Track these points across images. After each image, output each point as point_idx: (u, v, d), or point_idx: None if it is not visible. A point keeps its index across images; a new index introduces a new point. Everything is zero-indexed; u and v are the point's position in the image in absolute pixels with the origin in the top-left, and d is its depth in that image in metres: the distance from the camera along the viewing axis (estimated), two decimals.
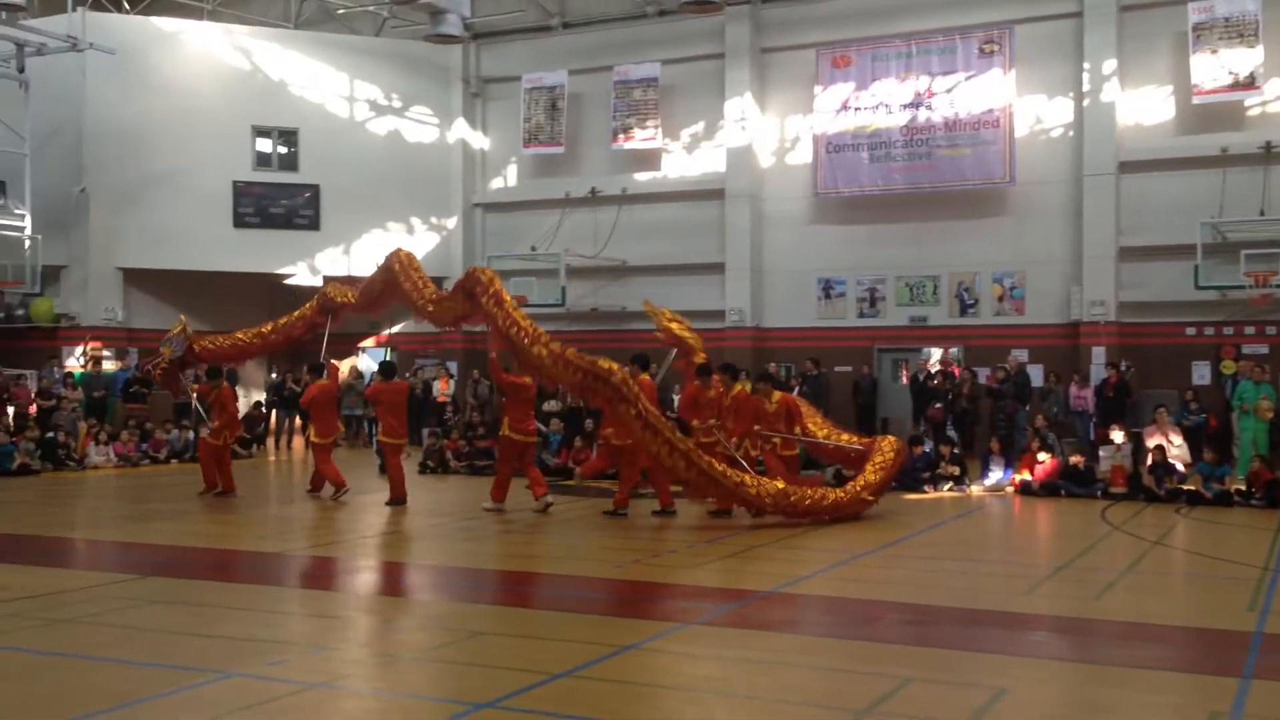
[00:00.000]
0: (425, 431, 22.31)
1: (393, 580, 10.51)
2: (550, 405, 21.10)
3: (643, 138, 25.73)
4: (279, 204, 26.26)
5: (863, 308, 24.38)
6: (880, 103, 23.83)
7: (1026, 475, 16.17)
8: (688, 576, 10.13)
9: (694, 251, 25.54)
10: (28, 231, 23.71)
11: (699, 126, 25.87)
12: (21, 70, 23.27)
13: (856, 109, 24.03)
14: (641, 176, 26.23)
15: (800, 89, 24.78)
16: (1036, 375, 21.60)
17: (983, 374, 21.37)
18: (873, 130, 23.88)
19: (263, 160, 26.37)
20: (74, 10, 23.33)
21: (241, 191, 25.99)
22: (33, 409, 22.01)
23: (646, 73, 25.68)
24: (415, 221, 27.42)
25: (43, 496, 16.62)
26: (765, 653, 7.47)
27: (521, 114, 26.77)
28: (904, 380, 23.75)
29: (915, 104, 23.55)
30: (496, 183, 27.92)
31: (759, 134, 25.21)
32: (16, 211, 23.67)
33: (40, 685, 6.63)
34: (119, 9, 27.35)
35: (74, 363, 24.60)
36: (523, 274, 25.49)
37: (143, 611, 8.56)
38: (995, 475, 16.84)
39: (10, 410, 21.64)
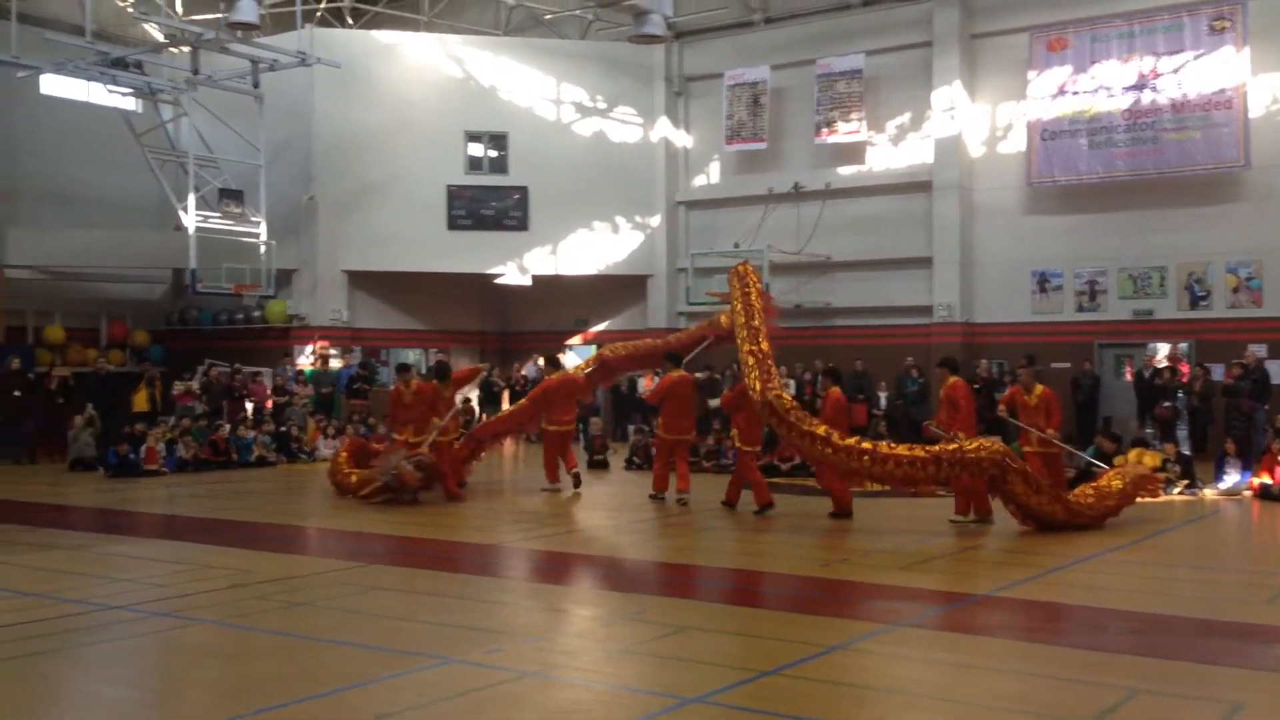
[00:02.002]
0: (631, 428, 22.64)
1: (604, 574, 10.69)
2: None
3: (847, 131, 25.35)
4: (489, 206, 27.13)
5: (1082, 301, 23.33)
6: (1100, 86, 22.74)
7: (1266, 478, 15.13)
8: (898, 578, 9.92)
9: (900, 245, 25.01)
10: (263, 238, 25.28)
11: (905, 117, 25.30)
12: (256, 86, 24.80)
13: (1074, 93, 23.01)
14: (845, 170, 25.85)
15: (1012, 74, 23.92)
16: (1277, 371, 20.19)
17: (1217, 370, 20.12)
18: (1092, 115, 22.82)
19: (474, 164, 27.29)
20: (303, 27, 24.70)
21: (455, 195, 26.97)
22: (269, 404, 23.49)
23: (850, 64, 25.30)
24: (619, 220, 27.84)
25: (278, 487, 17.70)
26: (980, 658, 7.24)
27: (724, 111, 26.80)
28: (1128, 377, 22.60)
29: (1139, 86, 22.37)
30: (699, 180, 28.05)
31: (968, 123, 24.47)
32: (253, 219, 25.26)
33: (280, 663, 7.07)
34: (343, 24, 28.81)
35: (304, 361, 26.08)
36: (726, 271, 25.46)
37: (369, 598, 8.99)
38: (1231, 478, 15.84)
39: (249, 406, 23.13)
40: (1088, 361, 22.55)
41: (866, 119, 25.17)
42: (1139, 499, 12.84)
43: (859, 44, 25.36)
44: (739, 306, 14.40)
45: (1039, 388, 13.78)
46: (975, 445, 11.95)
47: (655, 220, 27.93)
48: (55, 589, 9.26)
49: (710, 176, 27.90)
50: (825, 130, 25.56)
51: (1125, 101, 22.48)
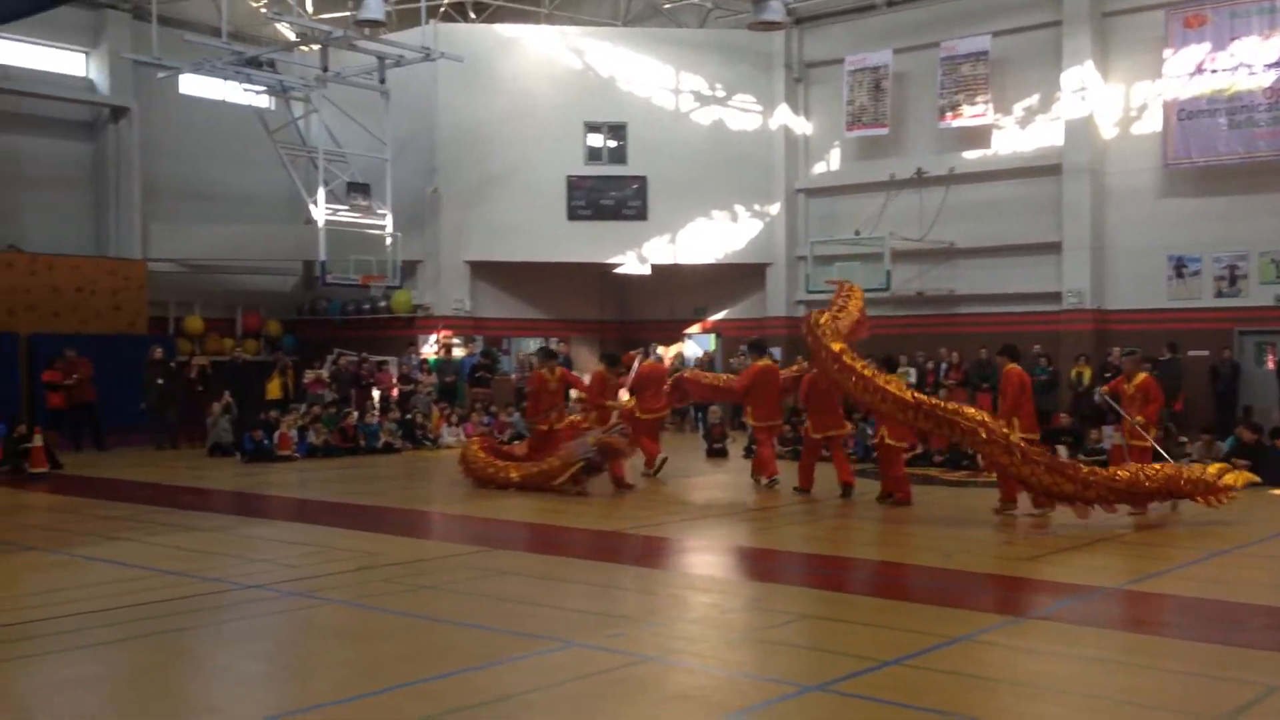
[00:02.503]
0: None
1: (723, 561, 10.70)
2: None
3: (972, 114, 24.79)
4: (609, 196, 27.29)
5: (1221, 287, 22.42)
6: (1240, 63, 21.79)
7: None
8: (1023, 569, 9.70)
9: (1027, 231, 24.37)
10: (389, 230, 25.89)
11: (1033, 99, 24.63)
12: (382, 81, 25.39)
13: (1212, 71, 22.10)
14: (970, 155, 25.29)
15: (1147, 53, 23.08)
16: None
17: None
18: (1232, 94, 21.88)
19: (594, 154, 27.48)
20: (427, 23, 25.18)
21: (574, 185, 27.21)
22: (394, 393, 24.08)
23: (975, 46, 24.72)
24: (739, 209, 27.74)
25: (403, 472, 18.14)
26: (1110, 651, 7.05)
27: (844, 96, 26.46)
28: (1269, 365, 21.66)
29: None
30: (819, 167, 27.76)
31: (1100, 104, 23.70)
32: (379, 212, 25.89)
33: (407, 644, 7.25)
34: (465, 19, 29.27)
35: (428, 350, 26.64)
36: (846, 259, 25.24)
37: (493, 581, 9.16)
38: None
39: (375, 394, 23.74)
40: (1227, 349, 21.68)
41: (992, 102, 24.57)
42: (1197, 500, 11.95)
43: (985, 25, 24.76)
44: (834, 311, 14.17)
45: (1140, 376, 13.41)
46: (954, 408, 12.16)
47: (774, 208, 27.75)
48: (197, 568, 9.66)
49: (830, 163, 27.59)
50: (949, 114, 25.04)
51: (1267, 79, 21.50)
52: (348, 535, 11.52)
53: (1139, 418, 13.17)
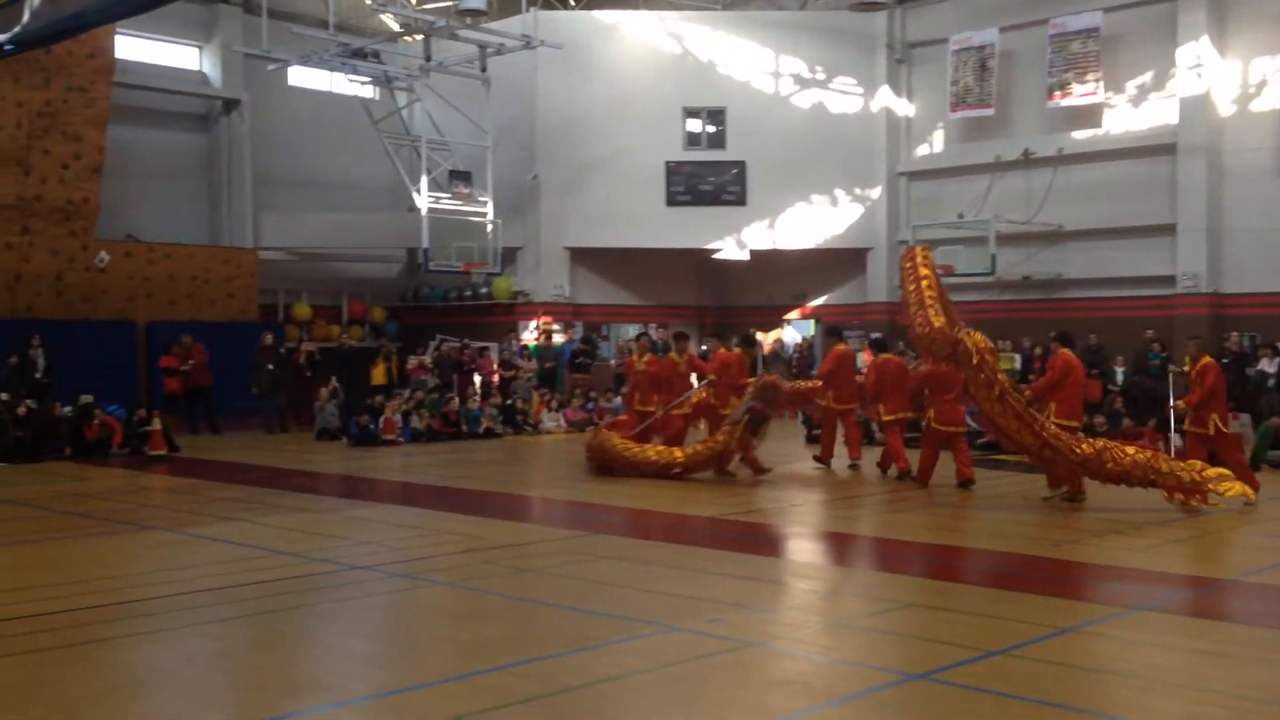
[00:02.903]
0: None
1: (824, 548, 10.63)
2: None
3: (1081, 93, 24.12)
4: (707, 181, 27.21)
5: None
6: None
7: None
8: (1135, 559, 9.44)
9: (1139, 213, 23.66)
10: (490, 217, 26.18)
11: (1146, 77, 23.87)
12: (483, 70, 25.65)
13: None
14: (1079, 135, 24.63)
15: (1268, 26, 22.20)
16: None
17: None
18: None
19: (693, 140, 27.42)
20: (527, 11, 25.36)
21: (673, 171, 27.18)
22: (495, 378, 24.37)
23: (1086, 23, 24.02)
24: (839, 193, 27.43)
25: (504, 457, 18.36)
26: (1227, 645, 6.83)
27: (948, 77, 25.96)
28: None
29: None
30: (922, 149, 27.30)
31: (1217, 80, 22.87)
32: (480, 199, 26.19)
33: (510, 625, 7.35)
34: (565, 7, 29.41)
35: (529, 336, 26.90)
36: (949, 243, 24.78)
37: (594, 565, 9.23)
38: None
39: (477, 379, 24.06)
40: None
41: (1104, 79, 23.87)
42: (1168, 494, 11.63)
43: (1096, 1, 24.05)
44: (911, 288, 13.87)
45: (1204, 359, 13.00)
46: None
47: (875, 192, 27.38)
48: (308, 549, 9.91)
49: (933, 145, 27.11)
50: (1058, 93, 24.40)
51: None
52: (451, 519, 11.70)
53: (1181, 404, 13.09)
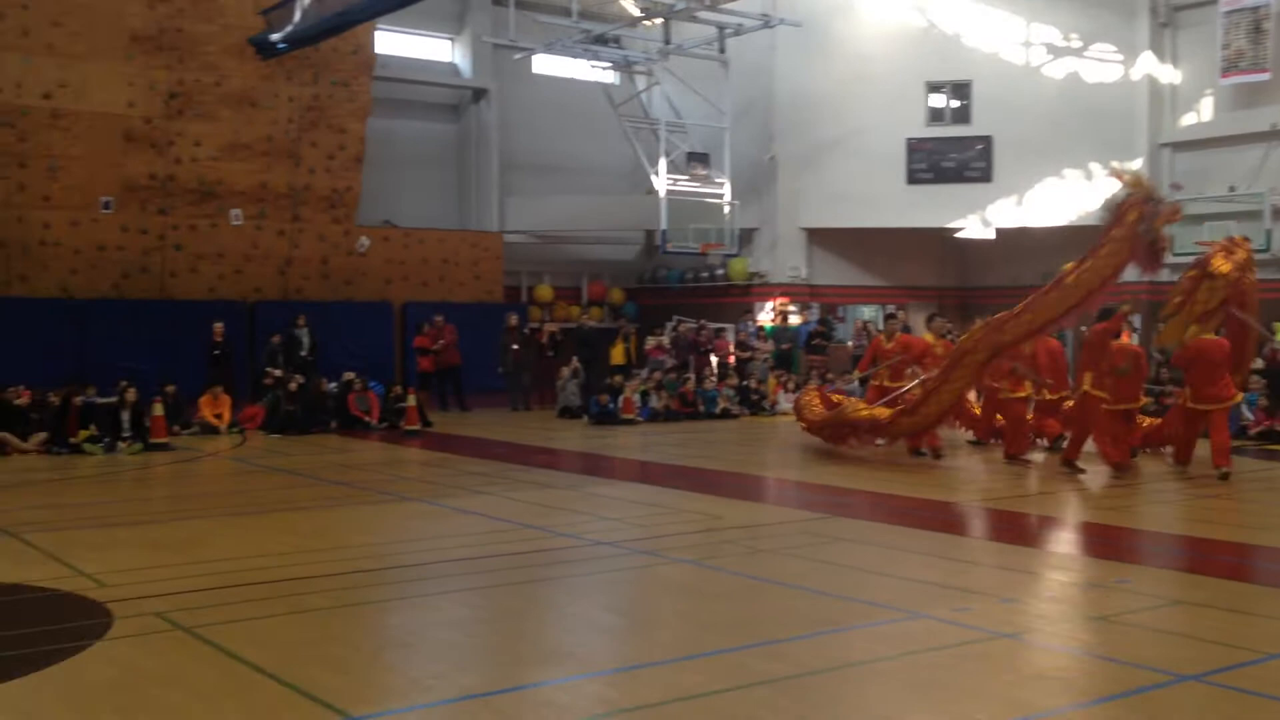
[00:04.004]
0: None
1: (1078, 538, 10.13)
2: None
3: None
4: (950, 158, 26.35)
5: None
6: None
7: None
8: None
9: None
10: (727, 198, 26.21)
11: None
12: (722, 51, 25.67)
13: None
14: None
15: None
16: None
17: None
18: None
19: (935, 115, 26.58)
20: None
21: (914, 148, 26.45)
22: (731, 359, 24.43)
23: None
24: (1093, 167, 25.97)
25: (741, 438, 18.39)
26: None
27: (1218, 40, 24.13)
28: None
29: None
30: (1188, 119, 25.51)
31: None
32: (717, 180, 26.26)
33: (750, 605, 7.34)
34: None
35: (765, 317, 26.81)
36: (1218, 217, 23.08)
37: (832, 547, 9.11)
38: None
39: (713, 360, 24.19)
40: None
41: None
42: None
43: None
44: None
45: None
46: None
47: (1135, 165, 25.76)
48: (552, 523, 10.20)
49: (1201, 114, 25.29)
50: None
51: None
52: (689, 497, 11.80)
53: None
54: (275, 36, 19.06)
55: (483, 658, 6.34)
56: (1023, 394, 15.02)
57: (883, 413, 14.79)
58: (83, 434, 15.76)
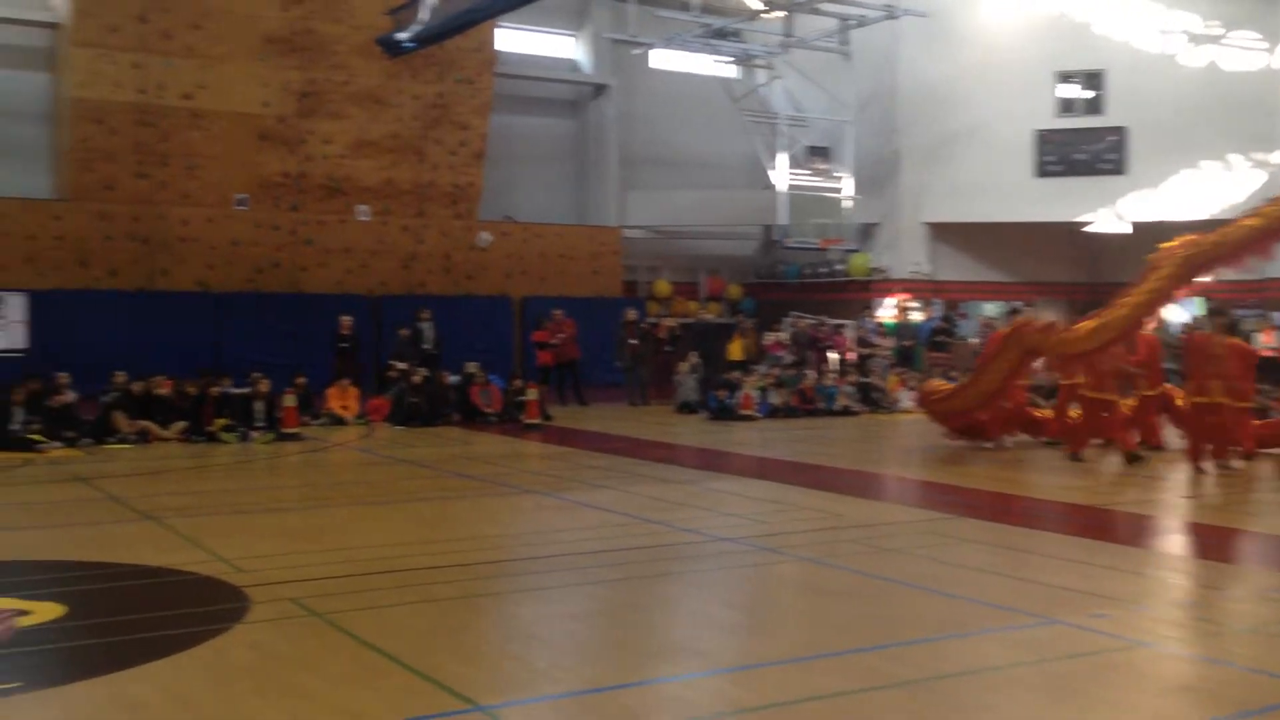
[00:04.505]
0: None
1: (1221, 545, 9.73)
2: None
3: None
4: (1082, 149, 25.63)
5: None
6: None
7: None
8: None
9: None
10: (848, 193, 25.91)
11: None
12: (844, 43, 25.37)
13: None
14: None
15: None
16: None
17: None
18: None
19: (1066, 106, 25.88)
20: None
21: (1044, 139, 25.80)
22: (851, 356, 24.13)
23: None
24: (1234, 159, 25.00)
25: (861, 435, 18.15)
26: None
27: None
28: None
29: None
30: None
31: None
32: (837, 175, 25.99)
33: (874, 605, 7.23)
34: None
35: (885, 313, 26.42)
36: None
37: (958, 548, 8.91)
38: None
39: (833, 356, 23.93)
40: None
41: None
42: None
43: None
44: None
45: None
46: None
47: (1278, 156, 24.72)
48: (673, 518, 10.20)
49: None
50: None
51: None
52: (809, 494, 11.69)
53: None
54: (402, 36, 19.45)
55: (607, 651, 6.36)
56: (1108, 395, 14.43)
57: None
58: (218, 423, 16.30)
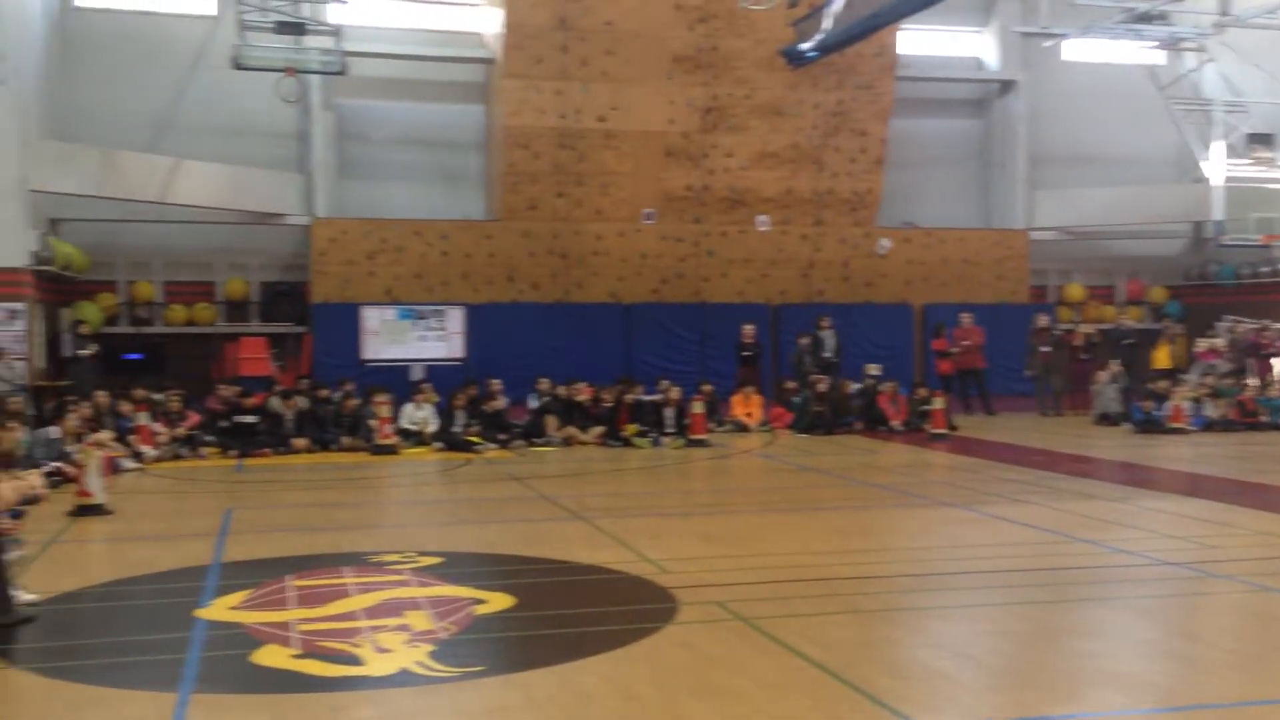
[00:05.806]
0: None
1: None
2: None
3: None
4: None
5: None
6: None
7: None
8: None
9: None
10: None
11: None
12: None
13: None
14: None
15: None
16: None
17: None
18: None
19: None
20: None
21: None
22: None
23: None
24: None
25: None
26: None
27: None
28: None
29: None
30: None
31: None
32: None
33: None
34: None
35: None
36: None
37: None
38: None
39: (1278, 365, 21.50)
40: None
41: None
42: None
43: None
44: None
45: None
46: None
47: None
48: (1103, 537, 9.51)
49: None
50: None
51: None
52: (1258, 516, 10.52)
53: None
54: (806, 46, 19.55)
55: (1046, 676, 5.97)
56: None
57: None
58: (631, 428, 17.09)
